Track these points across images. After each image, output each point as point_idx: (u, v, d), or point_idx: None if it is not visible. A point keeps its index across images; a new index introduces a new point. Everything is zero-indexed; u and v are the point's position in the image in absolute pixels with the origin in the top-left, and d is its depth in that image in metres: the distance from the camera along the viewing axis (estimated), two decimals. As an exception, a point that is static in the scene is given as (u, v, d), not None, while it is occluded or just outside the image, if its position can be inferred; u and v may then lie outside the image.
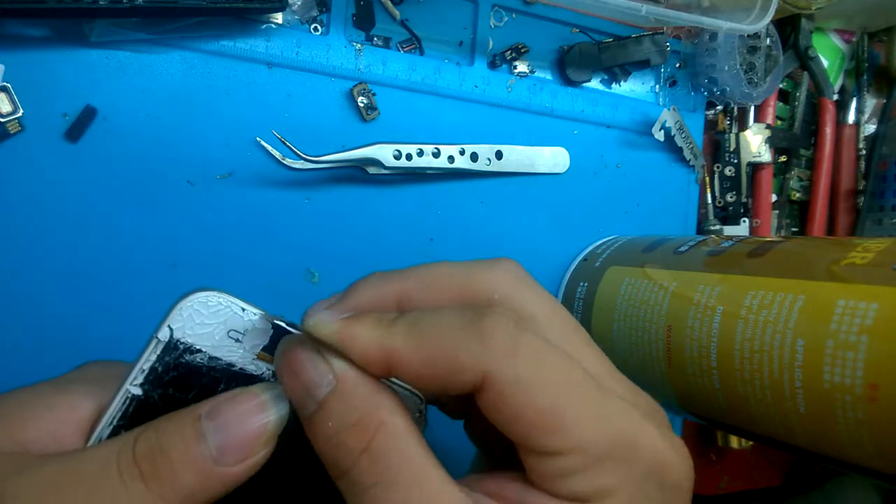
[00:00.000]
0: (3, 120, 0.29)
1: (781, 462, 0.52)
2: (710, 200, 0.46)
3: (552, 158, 0.40)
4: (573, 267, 0.41)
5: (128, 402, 0.20)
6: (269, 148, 0.33)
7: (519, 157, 0.39)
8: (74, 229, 0.31)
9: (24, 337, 0.30)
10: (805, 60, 0.48)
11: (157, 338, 0.20)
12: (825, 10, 0.47)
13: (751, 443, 0.46)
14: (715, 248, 0.32)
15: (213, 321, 0.21)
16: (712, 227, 0.45)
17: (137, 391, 0.20)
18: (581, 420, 0.17)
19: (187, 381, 0.20)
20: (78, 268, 0.31)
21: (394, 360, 0.18)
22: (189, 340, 0.20)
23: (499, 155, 0.38)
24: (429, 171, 0.37)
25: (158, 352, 0.20)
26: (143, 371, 0.20)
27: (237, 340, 0.21)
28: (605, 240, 0.41)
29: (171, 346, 0.20)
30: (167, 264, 0.32)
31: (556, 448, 0.17)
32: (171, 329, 0.20)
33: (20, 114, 0.29)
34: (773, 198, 0.49)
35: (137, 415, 0.20)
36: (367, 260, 0.36)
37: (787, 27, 0.48)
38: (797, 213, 0.51)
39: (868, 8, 0.49)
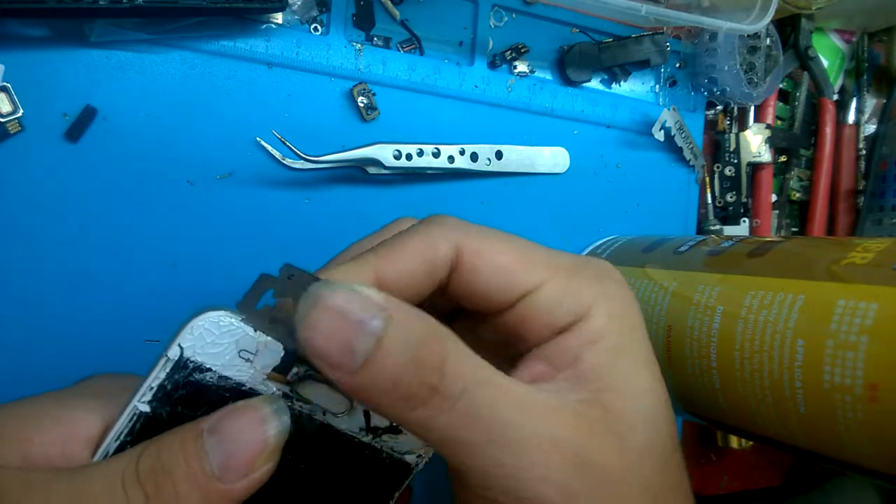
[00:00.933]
0: (3, 120, 0.29)
1: (781, 462, 0.52)
2: (710, 200, 0.46)
3: (552, 158, 0.40)
4: (573, 267, 0.41)
5: (135, 418, 0.20)
6: (269, 148, 0.33)
7: (519, 157, 0.39)
8: (74, 229, 0.31)
9: (24, 337, 0.30)
10: (805, 60, 0.48)
11: (166, 356, 0.20)
12: (825, 10, 0.47)
13: (751, 443, 0.46)
14: (715, 248, 0.32)
15: (224, 341, 0.20)
16: (712, 227, 0.45)
17: (145, 408, 0.20)
18: (540, 259, 0.20)
19: (196, 400, 0.20)
20: (78, 267, 0.31)
21: (402, 278, 0.20)
22: (199, 359, 0.20)
23: (499, 155, 0.38)
24: (429, 171, 0.37)
25: (168, 370, 0.20)
26: (152, 388, 0.20)
27: (248, 360, 0.21)
28: (605, 240, 0.41)
29: (181, 364, 0.20)
30: (167, 264, 0.32)
31: (528, 286, 0.20)
32: (181, 348, 0.20)
33: (20, 114, 0.29)
34: (773, 198, 0.49)
35: (145, 431, 0.20)
36: (367, 260, 0.36)
37: (787, 27, 0.48)
38: (797, 213, 0.51)
39: (868, 8, 0.49)
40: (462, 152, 0.37)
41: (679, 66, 0.45)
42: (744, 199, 0.47)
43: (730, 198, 0.47)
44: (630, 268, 0.35)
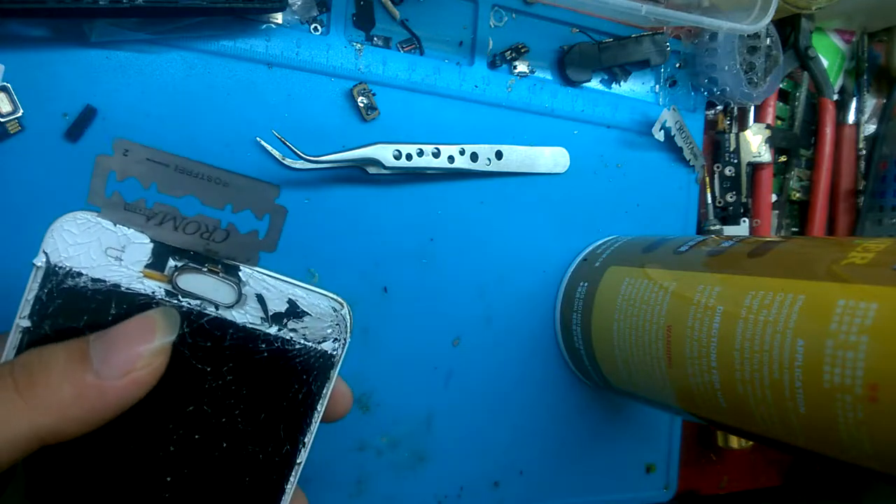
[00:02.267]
0: (3, 120, 0.29)
1: (781, 462, 0.52)
2: (710, 200, 0.46)
3: (552, 158, 0.40)
4: (573, 267, 0.41)
5: (20, 335, 0.20)
6: (269, 148, 0.33)
7: (519, 157, 0.39)
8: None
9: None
10: (805, 60, 0.48)
11: (34, 265, 0.20)
12: (825, 10, 0.47)
13: (751, 443, 0.46)
14: (715, 248, 0.32)
15: (86, 239, 0.20)
16: (712, 227, 0.45)
17: (26, 323, 0.20)
18: None
19: (75, 308, 0.20)
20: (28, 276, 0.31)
21: None
22: (67, 264, 0.20)
23: (499, 155, 0.38)
24: (429, 171, 0.37)
25: (39, 280, 0.20)
26: (29, 301, 0.20)
27: (117, 258, 0.20)
28: (605, 240, 0.41)
29: (51, 272, 0.20)
30: (167, 264, 0.32)
31: None
32: (46, 253, 0.20)
33: (20, 114, 0.29)
34: (773, 198, 0.49)
35: (32, 347, 0.20)
36: (367, 260, 0.36)
37: (787, 27, 0.48)
38: (797, 213, 0.51)
39: (868, 8, 0.49)
40: (462, 152, 0.37)
41: (679, 66, 0.45)
42: (744, 199, 0.47)
43: (730, 198, 0.47)
44: (630, 268, 0.35)
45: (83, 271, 0.20)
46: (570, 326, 0.39)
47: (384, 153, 0.35)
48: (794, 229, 0.51)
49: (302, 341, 0.22)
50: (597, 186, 0.42)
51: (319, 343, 0.22)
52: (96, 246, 0.20)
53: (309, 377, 0.22)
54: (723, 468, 0.50)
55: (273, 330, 0.21)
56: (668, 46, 0.42)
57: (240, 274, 0.21)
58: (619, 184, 0.43)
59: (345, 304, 0.22)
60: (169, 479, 0.21)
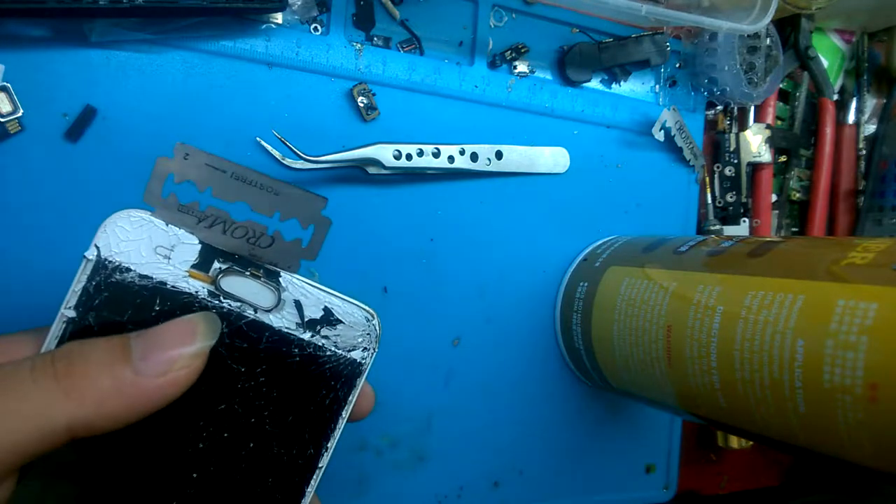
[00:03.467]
0: (3, 120, 0.29)
1: (781, 462, 0.52)
2: (710, 200, 0.46)
3: (552, 158, 0.40)
4: (573, 267, 0.41)
5: (64, 325, 0.20)
6: (269, 148, 0.33)
7: (519, 157, 0.39)
8: (74, 230, 0.31)
9: (24, 337, 0.30)
10: (805, 60, 0.48)
11: (85, 257, 0.20)
12: (825, 10, 0.47)
13: (751, 443, 0.46)
14: (715, 248, 0.32)
15: (139, 237, 0.21)
16: (712, 227, 0.45)
17: (71, 313, 0.20)
18: None
19: (120, 302, 0.20)
20: (77, 268, 0.31)
21: None
22: (117, 259, 0.20)
23: (499, 155, 0.38)
24: (429, 171, 0.37)
25: (88, 272, 0.20)
26: (76, 293, 0.20)
27: (166, 257, 0.21)
28: (605, 240, 0.41)
29: (100, 265, 0.20)
30: (167, 264, 0.32)
31: None
32: (97, 248, 0.20)
33: (20, 114, 0.29)
34: (773, 198, 0.49)
35: (74, 338, 0.20)
36: (367, 260, 0.36)
37: (787, 27, 0.48)
38: (797, 213, 0.51)
39: (868, 8, 0.49)
40: (462, 152, 0.37)
41: (679, 66, 0.45)
42: (744, 199, 0.47)
43: (730, 198, 0.47)
44: (630, 268, 0.35)
45: (132, 267, 0.21)
46: (570, 326, 0.39)
47: (384, 153, 0.35)
48: (794, 229, 0.51)
49: (333, 349, 0.22)
50: (597, 186, 0.42)
51: (349, 351, 0.23)
52: (147, 243, 0.21)
53: (337, 383, 0.22)
54: (723, 468, 0.50)
55: (307, 336, 0.22)
56: (668, 46, 0.42)
57: (280, 280, 0.22)
58: (619, 184, 0.43)
59: (375, 316, 0.23)
60: (195, 475, 0.21)
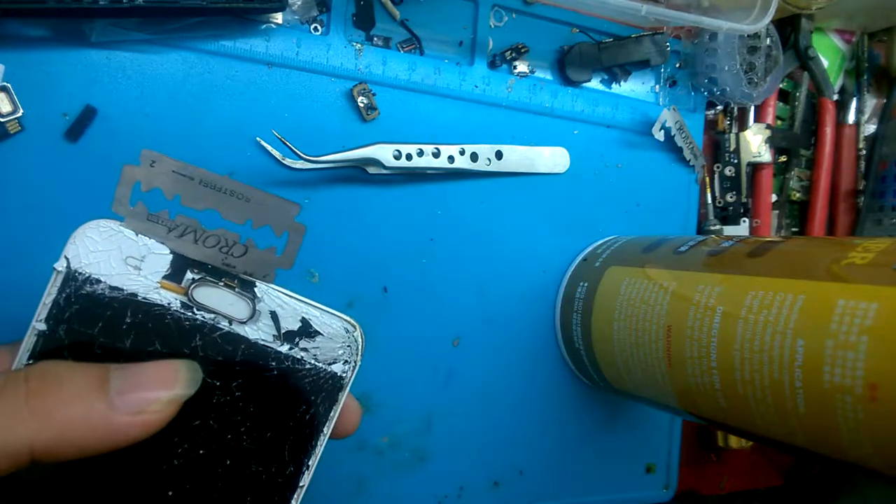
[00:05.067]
0: (3, 120, 0.29)
1: (781, 462, 0.52)
2: (710, 200, 0.46)
3: (552, 158, 0.40)
4: (573, 267, 0.41)
5: (35, 338, 0.20)
6: (269, 148, 0.33)
7: (519, 157, 0.39)
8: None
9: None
10: (805, 60, 0.48)
11: (55, 269, 0.20)
12: (825, 10, 0.47)
13: (751, 443, 0.46)
14: (715, 248, 0.32)
15: (108, 247, 0.20)
16: (712, 227, 0.45)
17: (42, 326, 0.20)
18: None
19: (91, 314, 0.20)
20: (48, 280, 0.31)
21: None
22: (87, 270, 0.20)
23: (499, 155, 0.38)
24: (429, 171, 0.37)
25: (58, 284, 0.20)
26: (46, 305, 0.20)
27: (136, 268, 0.20)
28: (605, 240, 0.41)
29: (70, 277, 0.20)
30: (167, 264, 0.32)
31: None
32: (67, 259, 0.20)
33: (20, 114, 0.29)
34: (773, 198, 0.49)
35: (46, 352, 0.20)
36: (367, 260, 0.36)
37: (787, 27, 0.48)
38: (797, 213, 0.51)
39: (868, 8, 0.49)
40: (462, 152, 0.37)
41: (679, 66, 0.45)
42: (744, 199, 0.47)
43: (730, 198, 0.47)
44: (630, 268, 0.35)
45: (102, 278, 0.20)
46: (570, 326, 0.39)
47: (384, 153, 0.35)
48: (794, 229, 0.51)
49: (312, 361, 0.22)
50: (597, 186, 0.42)
51: (329, 364, 0.22)
52: (117, 254, 0.20)
53: (317, 398, 0.22)
54: (723, 468, 0.50)
55: (284, 348, 0.21)
56: (668, 46, 0.42)
57: (255, 290, 0.21)
58: (619, 184, 0.43)
59: (357, 327, 0.22)
60: (171, 493, 0.21)
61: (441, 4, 0.38)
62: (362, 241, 0.36)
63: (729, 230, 0.46)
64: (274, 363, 0.21)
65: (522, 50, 0.39)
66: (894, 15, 0.50)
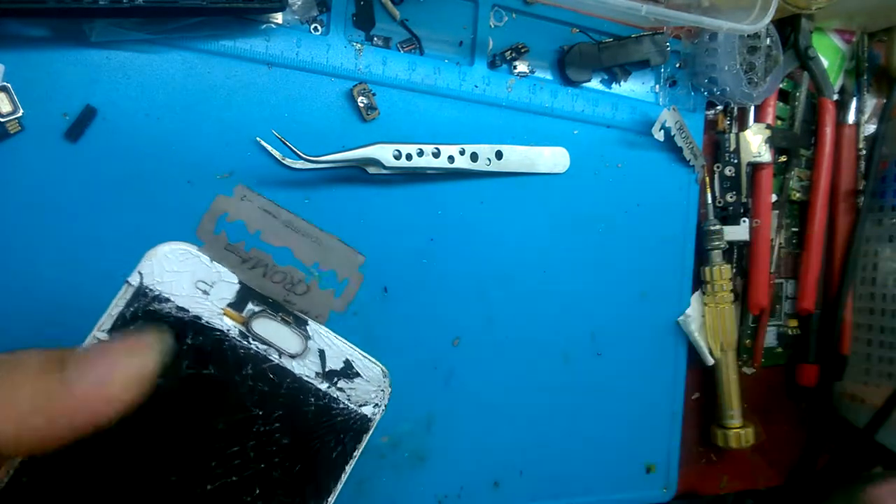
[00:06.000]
0: (3, 120, 0.29)
1: (781, 462, 0.52)
2: (710, 200, 0.46)
3: (552, 158, 0.40)
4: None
5: None
6: (269, 148, 0.33)
7: (519, 157, 0.39)
8: (74, 229, 0.31)
9: (23, 337, 0.30)
10: (805, 60, 0.48)
11: (127, 282, 0.20)
12: (825, 10, 0.47)
13: (751, 443, 0.46)
14: None
15: (182, 269, 0.21)
16: (712, 227, 0.45)
17: (104, 336, 0.20)
18: None
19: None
20: (77, 268, 0.31)
21: None
22: (158, 288, 0.21)
23: (499, 155, 0.38)
24: (429, 171, 0.37)
25: (128, 297, 0.20)
26: (112, 316, 0.20)
27: (205, 292, 0.21)
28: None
29: (141, 292, 0.20)
30: (167, 264, 0.32)
31: None
32: (141, 274, 0.20)
33: (20, 114, 0.29)
34: (773, 198, 0.49)
35: None
36: (367, 260, 0.36)
37: (787, 27, 0.48)
38: (797, 213, 0.51)
39: (868, 8, 0.49)
40: (462, 152, 0.37)
41: (679, 66, 0.45)
42: (744, 199, 0.47)
43: (730, 198, 0.47)
44: None
45: (171, 298, 0.21)
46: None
47: (384, 153, 0.35)
48: (794, 229, 0.51)
49: (346, 402, 0.23)
50: (597, 186, 0.42)
51: (360, 406, 0.23)
52: (189, 277, 0.21)
53: (345, 437, 0.23)
54: (723, 468, 0.50)
55: (324, 386, 0.22)
56: (668, 46, 0.42)
57: (308, 328, 0.22)
58: (619, 184, 0.43)
59: (388, 374, 0.23)
60: None
61: (441, 4, 0.38)
62: (362, 241, 0.36)
63: (729, 230, 0.46)
64: (313, 399, 0.22)
65: (522, 50, 0.39)
66: (894, 15, 0.50)
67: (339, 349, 0.22)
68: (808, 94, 0.50)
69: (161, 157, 0.32)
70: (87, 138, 0.31)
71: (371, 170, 0.35)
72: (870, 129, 0.52)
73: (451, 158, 0.37)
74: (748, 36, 0.44)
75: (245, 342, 0.21)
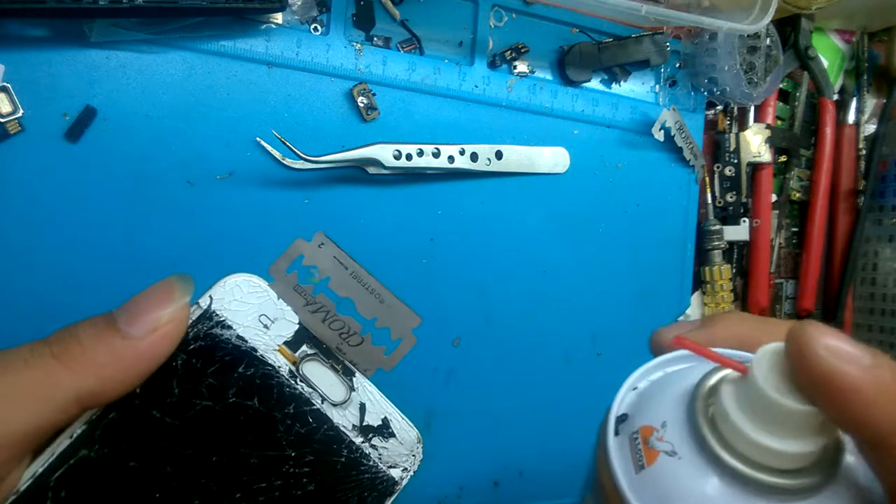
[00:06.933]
0: (3, 120, 0.29)
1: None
2: (710, 200, 0.46)
3: (552, 158, 0.40)
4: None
5: None
6: (269, 148, 0.33)
7: (519, 157, 0.39)
8: (74, 229, 0.31)
9: (23, 337, 0.30)
10: (805, 60, 0.48)
11: (197, 304, 0.21)
12: (825, 10, 0.47)
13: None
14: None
15: (250, 301, 0.22)
16: (712, 227, 0.45)
17: None
18: None
19: (211, 354, 0.21)
20: (77, 268, 0.31)
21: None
22: (224, 314, 0.21)
23: (499, 155, 0.38)
24: (429, 171, 0.37)
25: (194, 318, 0.21)
26: None
27: (265, 326, 0.22)
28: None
29: (207, 315, 0.21)
30: (167, 264, 0.32)
31: None
32: (211, 298, 0.21)
33: (20, 114, 0.29)
34: (773, 198, 0.49)
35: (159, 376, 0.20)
36: (367, 260, 0.36)
37: (787, 27, 0.48)
38: (797, 213, 0.52)
39: (868, 8, 0.49)
40: (462, 152, 0.37)
41: (679, 66, 0.45)
42: (744, 199, 0.47)
43: (730, 198, 0.47)
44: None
45: (234, 326, 0.21)
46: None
47: (384, 153, 0.35)
48: (794, 229, 0.51)
49: (376, 460, 0.23)
50: (597, 186, 0.42)
51: (390, 468, 0.23)
52: (255, 309, 0.22)
53: (369, 495, 0.23)
54: (723, 468, 0.50)
55: (358, 440, 0.23)
56: (668, 46, 0.42)
57: (354, 379, 0.23)
58: (619, 184, 0.43)
59: (422, 441, 0.24)
60: None
61: (441, 4, 0.38)
62: (362, 241, 0.36)
63: (729, 230, 0.46)
64: (346, 451, 0.22)
65: (522, 50, 0.39)
66: (894, 15, 0.50)
67: (380, 406, 0.23)
68: (808, 94, 0.50)
69: (161, 157, 0.32)
70: (87, 138, 0.31)
71: (371, 170, 0.35)
72: (870, 129, 0.52)
73: (451, 158, 0.37)
74: (748, 36, 0.44)
75: (293, 381, 0.22)
